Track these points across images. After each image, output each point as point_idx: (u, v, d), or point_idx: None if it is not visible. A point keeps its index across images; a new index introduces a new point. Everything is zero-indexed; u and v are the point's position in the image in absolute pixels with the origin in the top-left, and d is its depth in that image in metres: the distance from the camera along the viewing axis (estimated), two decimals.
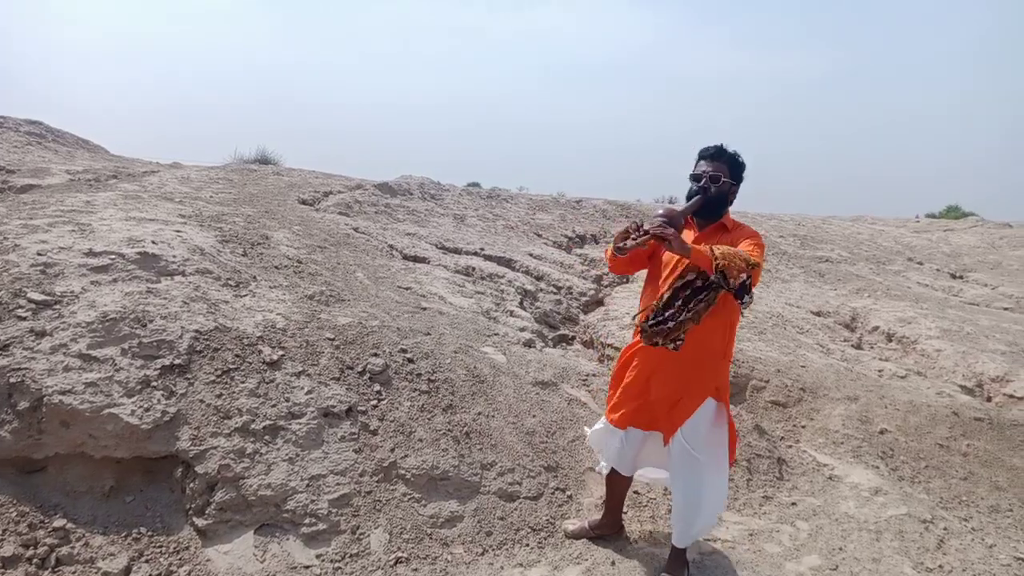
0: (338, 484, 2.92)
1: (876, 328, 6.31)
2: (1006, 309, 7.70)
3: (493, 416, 3.45)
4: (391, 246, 6.37)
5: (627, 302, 5.60)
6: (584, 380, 4.03)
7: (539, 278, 6.54)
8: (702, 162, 2.73)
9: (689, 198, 2.73)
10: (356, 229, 6.56)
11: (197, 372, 3.07)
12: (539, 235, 8.76)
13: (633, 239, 2.49)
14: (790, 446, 3.93)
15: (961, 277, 9.16)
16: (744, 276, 2.44)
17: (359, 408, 3.23)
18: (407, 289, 5.06)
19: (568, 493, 3.21)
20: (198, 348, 3.16)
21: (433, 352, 3.73)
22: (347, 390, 3.28)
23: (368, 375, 3.42)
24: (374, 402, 3.29)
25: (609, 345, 4.62)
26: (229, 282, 3.87)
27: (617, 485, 2.95)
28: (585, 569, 2.77)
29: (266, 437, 2.96)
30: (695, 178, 2.72)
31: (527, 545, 2.91)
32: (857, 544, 3.01)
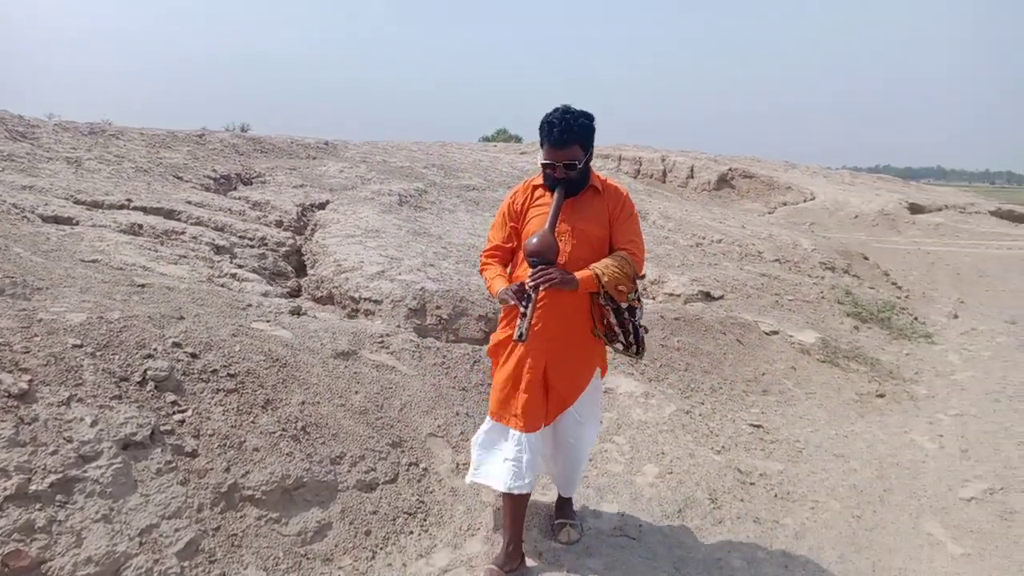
0: (178, 531, 2.27)
1: None
2: None
3: (318, 403, 3.00)
4: (15, 206, 4.86)
5: (349, 249, 5.24)
6: (380, 342, 3.71)
7: (220, 229, 5.70)
8: (549, 149, 2.37)
9: (548, 182, 2.47)
10: None
11: None
12: (180, 177, 7.57)
13: (523, 311, 2.24)
14: None
15: None
16: (630, 294, 2.42)
17: (163, 428, 2.50)
18: (94, 262, 3.96)
19: (422, 466, 3.01)
20: None
21: (212, 340, 3.04)
22: (139, 409, 2.50)
23: (153, 384, 2.65)
24: (178, 417, 2.58)
25: (367, 299, 4.31)
26: None
27: (522, 499, 2.55)
28: (484, 537, 2.68)
29: (59, 497, 2.12)
30: (550, 167, 2.40)
31: (411, 532, 2.68)
32: (668, 445, 3.49)
